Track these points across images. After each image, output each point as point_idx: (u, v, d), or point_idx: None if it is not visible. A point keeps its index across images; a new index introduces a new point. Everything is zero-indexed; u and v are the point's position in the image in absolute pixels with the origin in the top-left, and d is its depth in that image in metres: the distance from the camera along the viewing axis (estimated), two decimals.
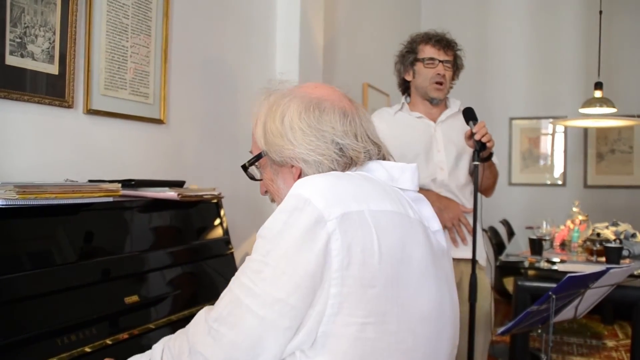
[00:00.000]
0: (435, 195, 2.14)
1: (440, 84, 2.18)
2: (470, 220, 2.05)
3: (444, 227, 2.11)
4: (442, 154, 2.19)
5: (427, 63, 2.19)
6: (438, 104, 2.24)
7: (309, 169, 0.96)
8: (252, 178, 1.10)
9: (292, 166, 0.98)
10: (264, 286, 0.83)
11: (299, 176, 0.98)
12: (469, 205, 2.11)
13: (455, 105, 2.29)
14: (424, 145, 2.19)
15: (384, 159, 1.02)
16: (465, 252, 2.11)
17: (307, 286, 0.81)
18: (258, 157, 1.04)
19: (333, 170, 0.95)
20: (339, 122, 0.96)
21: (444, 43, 2.20)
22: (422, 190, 2.15)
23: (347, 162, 0.96)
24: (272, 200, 1.09)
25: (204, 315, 0.91)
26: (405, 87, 2.33)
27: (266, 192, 1.09)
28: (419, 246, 0.91)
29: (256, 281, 0.84)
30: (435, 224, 1.01)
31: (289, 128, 0.96)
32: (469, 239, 2.11)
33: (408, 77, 2.27)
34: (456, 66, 2.24)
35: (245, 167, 1.07)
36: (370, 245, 0.83)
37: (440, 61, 2.18)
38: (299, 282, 0.81)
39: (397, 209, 0.90)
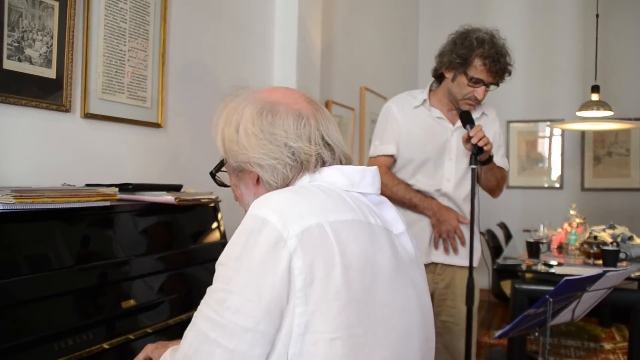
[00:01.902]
0: (437, 205, 2.14)
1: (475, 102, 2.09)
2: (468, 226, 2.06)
3: (439, 236, 2.13)
4: (453, 162, 2.15)
5: (471, 82, 2.04)
6: None
7: (265, 173, 0.95)
8: (222, 184, 1.11)
9: (250, 171, 0.98)
10: (230, 317, 0.80)
11: (257, 180, 0.98)
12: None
13: (479, 110, 2.19)
14: (436, 151, 2.15)
15: (340, 162, 0.99)
16: (456, 260, 2.15)
17: (274, 310, 0.79)
18: (221, 164, 1.06)
19: (286, 175, 0.95)
20: (292, 125, 0.95)
21: (499, 69, 2.01)
22: (425, 197, 2.16)
23: (299, 166, 0.95)
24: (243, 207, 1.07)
25: (169, 358, 0.87)
26: (438, 75, 2.18)
27: (237, 198, 1.08)
28: (382, 253, 0.89)
29: (221, 312, 0.81)
30: (399, 226, 1.00)
31: (243, 134, 0.96)
32: (461, 249, 2.14)
33: (447, 75, 2.11)
34: (498, 84, 2.08)
35: (212, 174, 1.08)
36: (332, 259, 0.81)
37: (485, 84, 2.04)
38: (266, 307, 0.79)
39: (357, 217, 0.89)
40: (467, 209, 2.09)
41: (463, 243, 2.13)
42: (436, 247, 2.16)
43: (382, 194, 2.39)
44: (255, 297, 0.79)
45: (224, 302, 0.81)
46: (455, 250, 2.14)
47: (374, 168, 1.00)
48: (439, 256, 2.16)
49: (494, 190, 2.24)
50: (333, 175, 0.95)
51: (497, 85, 2.08)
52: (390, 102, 2.28)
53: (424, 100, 2.19)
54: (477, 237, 2.08)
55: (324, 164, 0.96)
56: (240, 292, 0.80)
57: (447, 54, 2.08)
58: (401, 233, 0.99)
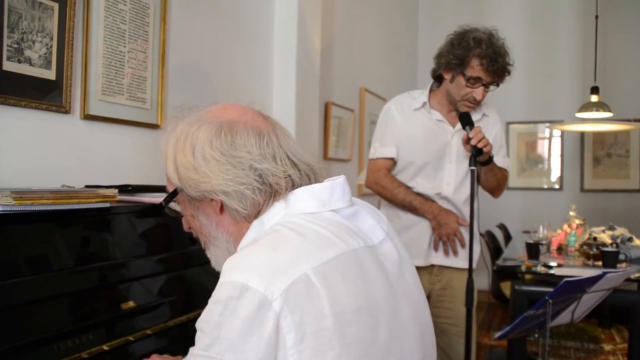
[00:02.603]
0: (438, 208, 2.14)
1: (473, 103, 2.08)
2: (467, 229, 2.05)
3: (439, 239, 2.13)
4: (453, 165, 2.14)
5: (469, 82, 2.02)
6: None
7: (232, 201, 0.89)
8: (175, 215, 1.02)
9: (212, 199, 0.90)
10: None
11: (221, 209, 0.91)
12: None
13: (480, 111, 2.18)
14: (436, 154, 2.14)
15: (308, 178, 0.93)
16: (454, 262, 2.15)
17: None
18: (174, 194, 0.96)
19: (256, 201, 0.89)
20: (254, 145, 0.88)
21: (497, 69, 2.00)
22: (426, 200, 2.16)
23: (268, 189, 0.89)
24: (197, 239, 1.00)
25: None
26: (437, 76, 2.17)
27: (190, 228, 1.00)
28: (372, 280, 0.86)
29: None
30: (379, 233, 0.95)
31: (201, 159, 0.88)
32: (461, 251, 2.14)
33: (445, 76, 2.09)
34: (497, 84, 2.06)
35: (161, 206, 0.99)
36: (321, 310, 0.77)
37: (483, 84, 2.02)
38: None
39: (339, 250, 0.84)
40: (467, 212, 2.08)
41: (463, 245, 2.13)
42: (436, 249, 2.16)
43: (382, 196, 2.40)
44: None
45: None
46: (455, 253, 2.14)
47: (341, 179, 0.95)
48: (438, 258, 2.17)
49: (495, 191, 2.24)
50: (302, 200, 0.89)
51: (497, 85, 2.07)
52: (390, 103, 2.27)
53: (424, 103, 2.18)
54: (476, 239, 2.08)
55: (293, 186, 0.91)
56: (222, 359, 0.76)
57: (445, 54, 2.07)
58: (382, 240, 0.95)
